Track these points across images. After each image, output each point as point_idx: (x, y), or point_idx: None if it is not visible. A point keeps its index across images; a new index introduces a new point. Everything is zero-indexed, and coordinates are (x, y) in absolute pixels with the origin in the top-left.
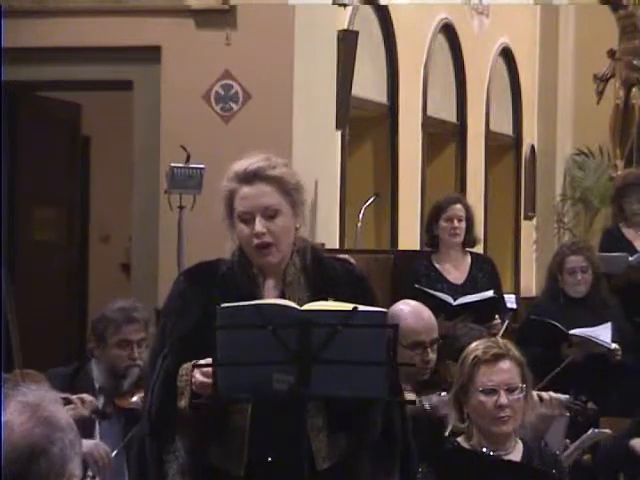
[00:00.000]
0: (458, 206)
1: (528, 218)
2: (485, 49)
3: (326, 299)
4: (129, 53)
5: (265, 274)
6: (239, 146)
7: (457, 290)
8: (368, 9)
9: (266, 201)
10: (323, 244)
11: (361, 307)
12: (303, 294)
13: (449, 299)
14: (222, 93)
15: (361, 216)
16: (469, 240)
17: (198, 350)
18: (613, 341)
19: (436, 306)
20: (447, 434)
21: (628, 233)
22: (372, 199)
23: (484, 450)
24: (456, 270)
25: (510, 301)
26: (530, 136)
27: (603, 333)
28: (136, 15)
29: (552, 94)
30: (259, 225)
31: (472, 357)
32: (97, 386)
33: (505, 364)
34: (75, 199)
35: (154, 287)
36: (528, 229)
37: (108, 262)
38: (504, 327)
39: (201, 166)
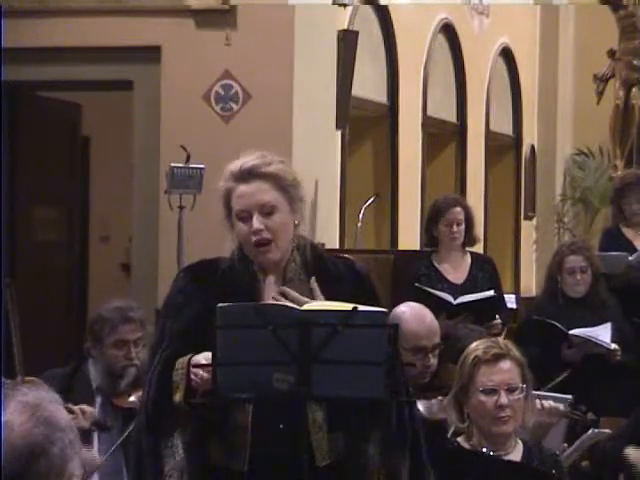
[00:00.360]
0: (457, 209)
1: (528, 218)
2: (485, 49)
3: (328, 296)
4: (129, 53)
5: (266, 271)
6: (239, 146)
7: (457, 290)
8: (368, 9)
9: (262, 198)
10: (323, 244)
11: (361, 307)
12: (304, 290)
13: (449, 298)
14: (222, 93)
15: (361, 216)
16: (469, 240)
17: (196, 345)
18: (613, 341)
19: (436, 305)
20: (449, 435)
21: (628, 233)
22: (372, 199)
23: (484, 450)
24: (456, 270)
25: (510, 301)
26: (530, 136)
27: (603, 333)
28: (136, 15)
29: (552, 94)
30: (257, 222)
31: (472, 357)
32: (94, 386)
33: (505, 364)
34: (75, 199)
35: (154, 287)
36: (528, 229)
37: (108, 262)
38: (506, 330)
39: (201, 166)
